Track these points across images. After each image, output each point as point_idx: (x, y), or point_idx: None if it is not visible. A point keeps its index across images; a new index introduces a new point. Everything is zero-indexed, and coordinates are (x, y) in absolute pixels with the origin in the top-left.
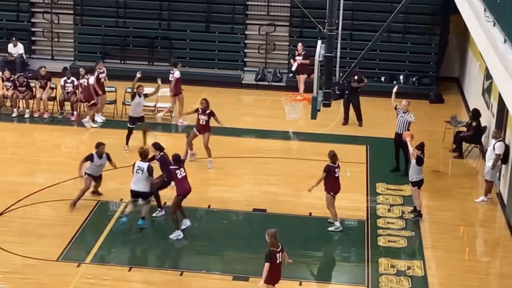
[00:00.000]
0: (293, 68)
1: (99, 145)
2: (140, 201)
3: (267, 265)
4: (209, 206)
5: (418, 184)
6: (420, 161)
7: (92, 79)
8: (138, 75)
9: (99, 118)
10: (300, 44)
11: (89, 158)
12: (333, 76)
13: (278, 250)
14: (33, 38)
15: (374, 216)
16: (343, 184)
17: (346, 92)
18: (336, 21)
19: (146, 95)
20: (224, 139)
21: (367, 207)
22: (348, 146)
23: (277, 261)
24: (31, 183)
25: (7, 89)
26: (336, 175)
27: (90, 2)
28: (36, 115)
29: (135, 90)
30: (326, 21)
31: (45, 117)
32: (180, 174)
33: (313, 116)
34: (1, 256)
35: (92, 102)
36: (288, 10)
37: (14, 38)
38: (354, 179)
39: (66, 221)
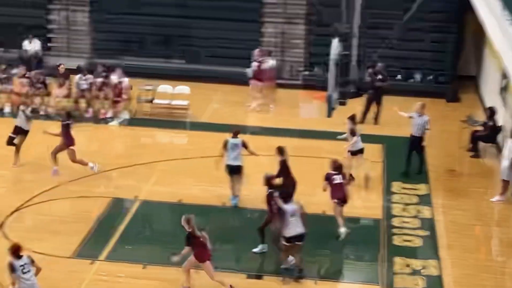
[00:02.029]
0: (250, 74)
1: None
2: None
3: (187, 248)
4: (223, 204)
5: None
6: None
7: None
8: None
9: (124, 115)
10: (257, 50)
11: None
12: (349, 75)
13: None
14: (49, 35)
15: (389, 215)
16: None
17: (370, 91)
18: (353, 19)
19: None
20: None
21: (383, 206)
22: (364, 144)
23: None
24: (46, 179)
25: (23, 86)
26: (336, 182)
27: None
28: (50, 110)
29: None
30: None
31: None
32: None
33: (329, 114)
34: None
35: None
36: (305, 7)
37: (30, 35)
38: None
39: (81, 218)
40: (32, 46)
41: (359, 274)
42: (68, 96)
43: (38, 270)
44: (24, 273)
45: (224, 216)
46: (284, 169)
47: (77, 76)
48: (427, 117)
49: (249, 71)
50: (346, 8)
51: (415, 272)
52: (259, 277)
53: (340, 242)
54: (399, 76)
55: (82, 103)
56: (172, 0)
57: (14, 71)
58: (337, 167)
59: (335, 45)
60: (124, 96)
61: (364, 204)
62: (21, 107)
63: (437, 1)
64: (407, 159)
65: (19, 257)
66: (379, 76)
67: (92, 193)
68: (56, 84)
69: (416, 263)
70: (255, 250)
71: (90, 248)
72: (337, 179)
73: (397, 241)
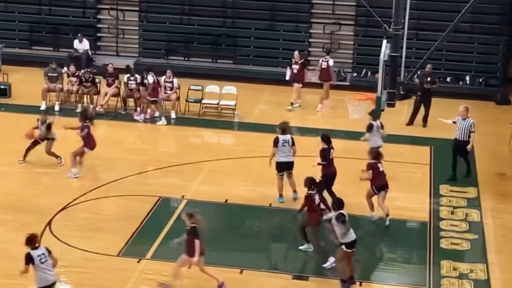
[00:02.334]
0: (287, 78)
1: None
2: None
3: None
4: (270, 205)
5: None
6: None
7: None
8: None
9: (173, 114)
10: (296, 52)
11: None
12: (397, 76)
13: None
14: (98, 35)
15: (437, 218)
16: (407, 184)
17: (419, 93)
18: (402, 20)
19: None
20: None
21: (430, 208)
22: (412, 146)
23: None
24: (94, 178)
25: (72, 85)
26: (380, 169)
27: None
28: (98, 108)
29: None
30: (392, 20)
31: (101, 111)
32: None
33: (377, 116)
34: (63, 250)
35: (153, 99)
36: (354, 9)
37: (79, 35)
38: (417, 180)
39: (128, 216)
40: (81, 45)
41: (406, 277)
42: (116, 95)
43: (55, 262)
44: (42, 263)
45: (270, 216)
46: (327, 157)
47: (126, 76)
48: (472, 120)
49: (289, 74)
50: (396, 9)
51: (462, 276)
52: (305, 278)
53: (386, 244)
54: (448, 79)
55: (131, 103)
56: (220, 1)
57: (64, 70)
58: (376, 156)
59: (384, 47)
60: (172, 96)
61: (412, 206)
62: (41, 117)
63: (489, 3)
64: (452, 164)
65: (35, 247)
66: (428, 78)
67: (140, 192)
68: (105, 83)
69: (464, 267)
70: (301, 247)
71: (137, 246)
72: (380, 167)
73: (444, 244)
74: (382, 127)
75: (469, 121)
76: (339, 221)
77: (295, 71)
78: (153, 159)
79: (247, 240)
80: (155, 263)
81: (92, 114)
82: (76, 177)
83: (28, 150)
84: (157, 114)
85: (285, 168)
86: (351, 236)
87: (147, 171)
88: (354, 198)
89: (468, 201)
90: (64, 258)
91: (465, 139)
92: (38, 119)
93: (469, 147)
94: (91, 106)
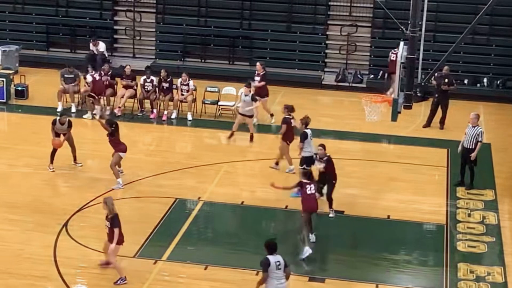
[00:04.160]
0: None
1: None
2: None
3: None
4: (286, 207)
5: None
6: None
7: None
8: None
9: (189, 116)
10: (258, 63)
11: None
12: (415, 78)
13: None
14: (115, 36)
15: (454, 220)
16: (424, 187)
17: (436, 95)
18: (420, 22)
19: None
20: None
21: (447, 211)
22: (429, 149)
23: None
24: (110, 179)
25: (89, 86)
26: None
27: (172, 1)
28: (116, 111)
29: None
30: (409, 22)
31: (119, 113)
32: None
33: (394, 118)
34: (79, 251)
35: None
36: (371, 11)
37: (93, 38)
38: (434, 183)
39: (144, 218)
40: (98, 47)
41: (423, 279)
42: (133, 97)
43: None
44: None
45: (286, 218)
46: (332, 166)
47: (142, 78)
48: (481, 129)
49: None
50: (413, 11)
51: (479, 279)
52: (321, 280)
53: (403, 247)
54: (466, 81)
55: (147, 104)
56: (237, 2)
57: (82, 72)
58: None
59: (402, 49)
60: (188, 98)
61: (429, 209)
62: (59, 119)
63: (507, 5)
64: (461, 169)
65: None
66: (446, 80)
67: (156, 194)
68: (122, 85)
69: (481, 270)
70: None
71: (153, 248)
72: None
73: (461, 247)
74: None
75: (477, 130)
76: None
77: (257, 83)
78: (170, 161)
79: (263, 242)
80: (171, 265)
81: (106, 116)
82: (122, 188)
83: (52, 154)
84: (173, 115)
85: (310, 162)
86: None
87: (163, 172)
88: (373, 200)
89: (485, 203)
90: (81, 260)
91: (471, 147)
92: (53, 123)
93: (473, 155)
94: (108, 108)
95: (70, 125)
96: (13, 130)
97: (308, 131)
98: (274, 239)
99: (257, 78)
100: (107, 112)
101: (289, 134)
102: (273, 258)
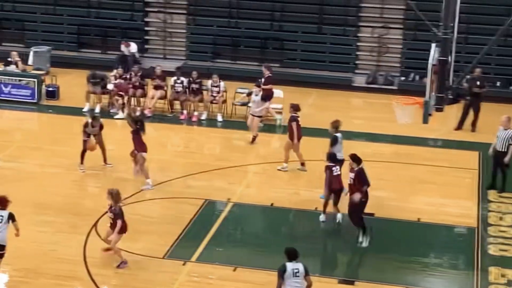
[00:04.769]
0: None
1: None
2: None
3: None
4: (316, 208)
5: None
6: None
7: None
8: None
9: (219, 117)
10: (263, 66)
11: None
12: (446, 81)
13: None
14: (146, 37)
15: (485, 223)
16: (455, 190)
17: (468, 98)
18: (452, 24)
19: None
20: None
21: (478, 214)
22: (460, 151)
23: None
24: (140, 180)
25: (120, 87)
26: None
27: (203, 2)
28: (147, 112)
29: None
30: (441, 24)
31: (149, 114)
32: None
33: (425, 121)
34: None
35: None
36: (402, 12)
37: (124, 40)
38: (465, 186)
39: (173, 219)
40: (129, 48)
41: (453, 283)
42: (164, 98)
43: (16, 229)
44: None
45: (316, 220)
46: (364, 177)
47: (172, 79)
48: None
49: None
50: (446, 13)
51: (511, 283)
52: (350, 282)
53: (433, 250)
54: (498, 83)
55: (177, 105)
56: (268, 4)
57: (112, 73)
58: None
59: (433, 51)
60: (218, 99)
61: (460, 212)
62: (90, 121)
63: None
64: (492, 172)
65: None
66: (478, 83)
67: (186, 195)
68: (153, 85)
69: None
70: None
71: (182, 249)
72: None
73: (492, 250)
74: None
75: (509, 133)
76: None
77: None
78: (199, 162)
79: (293, 244)
80: (201, 266)
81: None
82: (152, 188)
83: (83, 155)
84: (203, 116)
85: (341, 166)
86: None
87: (193, 173)
88: (403, 203)
89: None
90: (110, 260)
91: (503, 150)
92: (85, 126)
93: (506, 159)
94: (138, 108)
95: (101, 127)
96: (44, 130)
97: (339, 135)
98: (293, 247)
99: (262, 80)
100: (137, 113)
101: (297, 132)
102: (291, 265)
